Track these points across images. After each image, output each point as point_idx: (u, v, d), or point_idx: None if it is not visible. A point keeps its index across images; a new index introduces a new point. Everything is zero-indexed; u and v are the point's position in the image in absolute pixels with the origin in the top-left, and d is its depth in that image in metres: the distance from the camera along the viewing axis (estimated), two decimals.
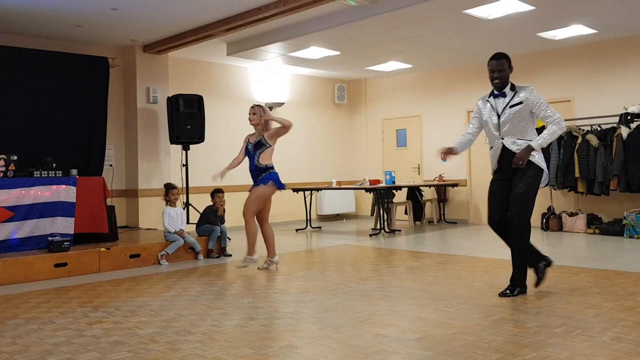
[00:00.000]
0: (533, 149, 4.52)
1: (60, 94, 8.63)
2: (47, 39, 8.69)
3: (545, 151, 9.33)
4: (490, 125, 4.73)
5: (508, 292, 4.68)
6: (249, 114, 6.26)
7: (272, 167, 6.21)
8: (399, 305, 4.49)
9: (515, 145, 4.60)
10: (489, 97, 4.79)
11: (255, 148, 6.18)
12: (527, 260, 4.74)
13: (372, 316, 4.17)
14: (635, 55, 9.04)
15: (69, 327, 4.10)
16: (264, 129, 6.22)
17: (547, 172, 4.68)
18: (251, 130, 6.44)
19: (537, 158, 4.60)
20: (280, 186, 6.19)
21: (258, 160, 6.15)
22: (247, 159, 6.31)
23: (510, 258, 4.78)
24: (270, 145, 6.19)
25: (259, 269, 6.34)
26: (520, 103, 4.58)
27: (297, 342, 3.57)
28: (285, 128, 6.06)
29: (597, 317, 3.99)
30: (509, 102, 4.63)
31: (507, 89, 4.69)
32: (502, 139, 4.66)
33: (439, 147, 5.10)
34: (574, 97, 9.68)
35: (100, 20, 7.95)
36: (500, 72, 4.66)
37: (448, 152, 4.95)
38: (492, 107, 4.73)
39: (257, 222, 6.30)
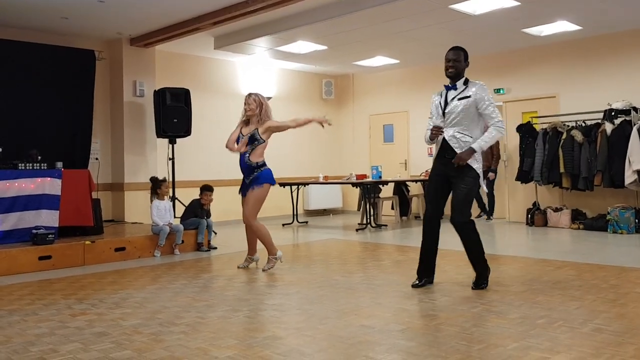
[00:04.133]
0: (474, 151, 4.57)
1: (46, 87, 8.57)
2: (32, 30, 8.61)
3: (530, 147, 9.41)
4: (436, 115, 4.77)
5: (477, 285, 4.77)
6: (245, 103, 5.81)
7: (264, 164, 5.79)
8: (384, 298, 4.51)
9: (454, 139, 4.62)
10: (445, 89, 4.81)
11: (247, 143, 5.72)
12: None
13: (357, 308, 4.19)
14: (619, 52, 9.12)
15: (52, 318, 4.08)
16: (260, 121, 5.76)
17: (482, 177, 4.77)
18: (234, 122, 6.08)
19: (476, 165, 4.64)
20: (274, 182, 5.90)
21: (249, 158, 5.70)
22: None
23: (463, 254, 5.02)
24: (264, 141, 5.74)
25: (238, 267, 6.07)
26: (469, 97, 4.61)
27: (281, 332, 3.59)
28: (290, 127, 5.87)
29: (579, 309, 4.03)
30: (458, 94, 4.66)
31: (459, 82, 4.71)
32: (444, 129, 4.68)
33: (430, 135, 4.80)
34: (559, 93, 9.75)
35: (86, 13, 7.89)
36: (455, 61, 4.70)
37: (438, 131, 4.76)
38: (442, 97, 4.77)
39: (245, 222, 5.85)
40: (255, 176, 5.74)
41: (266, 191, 5.79)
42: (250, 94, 5.86)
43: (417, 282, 4.88)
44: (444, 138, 4.69)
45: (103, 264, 6.56)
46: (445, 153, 4.72)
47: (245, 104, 5.82)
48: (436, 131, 4.68)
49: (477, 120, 4.66)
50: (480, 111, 4.62)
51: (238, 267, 6.09)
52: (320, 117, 5.87)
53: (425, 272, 4.91)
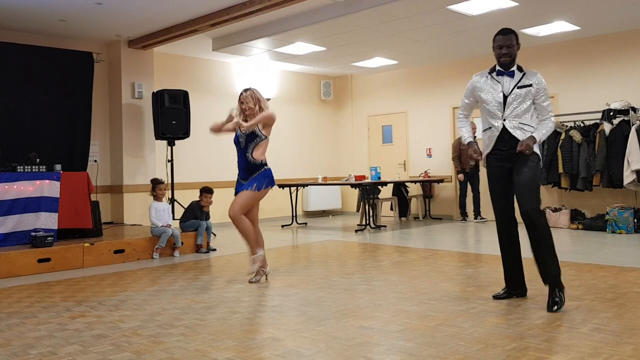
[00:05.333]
0: (535, 141, 4.18)
1: (45, 89, 8.57)
2: (31, 33, 8.62)
3: None
4: (494, 103, 4.30)
5: (557, 304, 4.06)
6: (241, 102, 5.41)
7: (266, 163, 5.43)
8: (383, 299, 4.51)
9: (518, 130, 4.22)
10: (491, 73, 4.38)
11: (247, 139, 5.32)
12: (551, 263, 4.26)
13: (356, 309, 4.19)
14: (617, 52, 9.13)
15: (51, 321, 4.08)
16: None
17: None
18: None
19: (537, 151, 4.30)
20: (274, 184, 5.49)
21: (252, 155, 5.31)
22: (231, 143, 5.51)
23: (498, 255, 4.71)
24: (266, 137, 5.36)
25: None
26: (530, 86, 4.24)
27: (280, 334, 3.59)
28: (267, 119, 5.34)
29: (578, 308, 4.04)
30: (518, 82, 4.26)
31: (515, 68, 4.31)
32: (505, 120, 4.26)
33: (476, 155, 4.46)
34: (558, 93, 9.75)
35: (84, 15, 7.90)
36: (509, 47, 4.27)
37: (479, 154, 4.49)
38: (497, 83, 4.31)
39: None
40: (258, 176, 5.34)
41: (266, 193, 5.42)
42: (245, 90, 5.46)
43: (500, 292, 4.47)
44: (502, 130, 4.28)
45: (102, 266, 6.56)
46: (501, 146, 4.31)
47: (240, 102, 5.42)
48: (477, 156, 4.39)
49: (532, 111, 4.28)
50: (538, 102, 4.26)
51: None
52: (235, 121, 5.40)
53: (509, 284, 4.47)
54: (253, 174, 5.35)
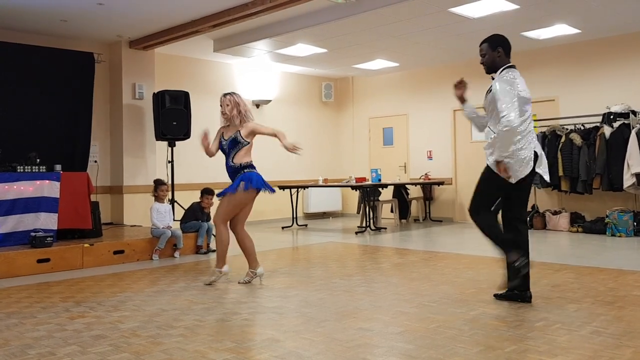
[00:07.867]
0: (498, 162, 4.11)
1: (45, 89, 8.57)
2: (32, 33, 8.62)
3: None
4: None
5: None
6: (220, 105, 5.42)
7: (250, 165, 5.36)
8: (383, 300, 4.51)
9: (489, 137, 4.26)
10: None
11: (230, 146, 5.34)
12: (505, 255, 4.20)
13: (356, 311, 4.18)
14: (618, 56, 9.13)
15: (50, 321, 4.08)
16: (241, 122, 5.37)
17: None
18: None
19: (491, 160, 4.18)
20: (261, 187, 5.33)
21: (233, 160, 5.33)
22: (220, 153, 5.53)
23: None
24: (248, 143, 5.36)
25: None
26: (490, 91, 4.22)
27: (280, 335, 3.58)
28: (272, 135, 5.37)
29: (578, 311, 4.03)
30: (489, 88, 4.27)
31: (496, 75, 4.33)
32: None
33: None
34: (558, 96, 9.75)
35: (86, 15, 7.90)
36: (482, 57, 4.41)
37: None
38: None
39: (230, 229, 5.46)
40: (239, 177, 5.30)
41: (247, 196, 5.32)
42: (225, 95, 5.44)
43: (500, 292, 4.48)
44: None
45: (101, 267, 6.55)
46: None
47: (220, 106, 5.43)
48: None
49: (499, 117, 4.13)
50: None
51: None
52: (291, 144, 5.22)
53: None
54: (235, 177, 5.36)
